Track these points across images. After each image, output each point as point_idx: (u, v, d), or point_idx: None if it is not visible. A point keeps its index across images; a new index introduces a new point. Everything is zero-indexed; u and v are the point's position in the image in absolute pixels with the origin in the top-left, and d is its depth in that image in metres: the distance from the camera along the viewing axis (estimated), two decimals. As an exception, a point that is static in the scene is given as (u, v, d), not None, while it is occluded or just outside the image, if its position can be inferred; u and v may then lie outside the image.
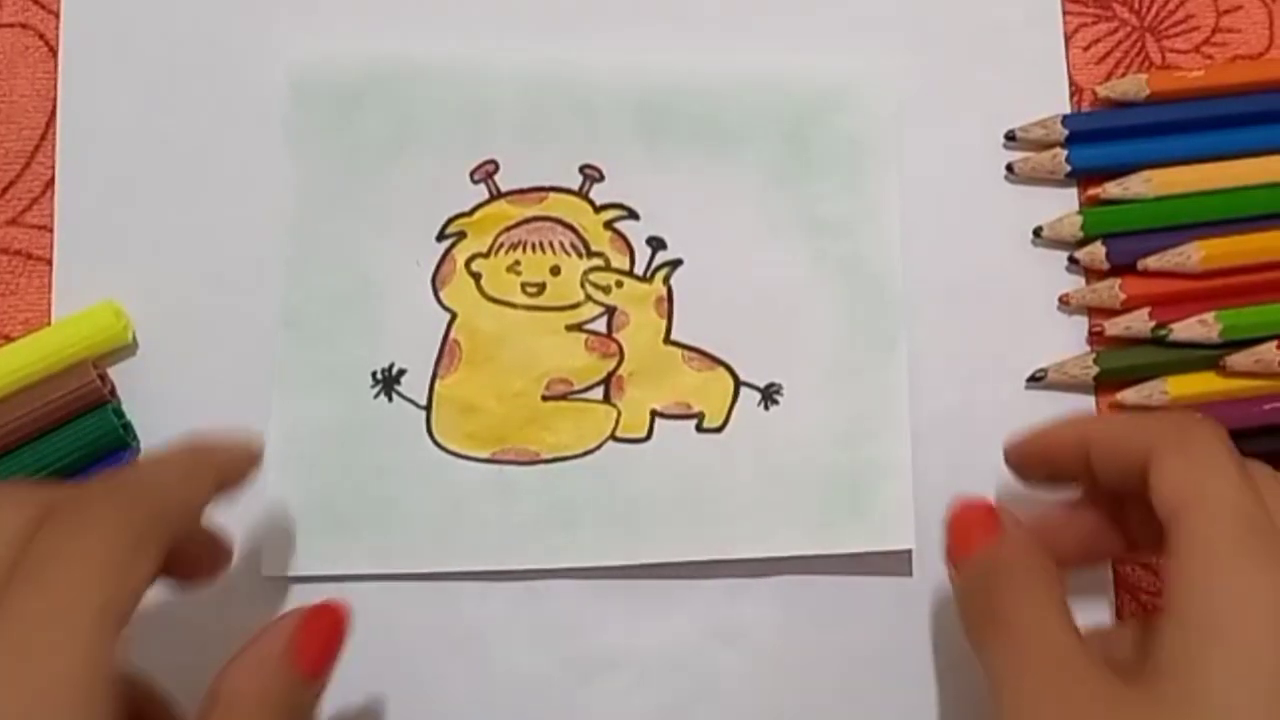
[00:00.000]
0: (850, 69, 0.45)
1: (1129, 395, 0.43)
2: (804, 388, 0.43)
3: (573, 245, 0.44)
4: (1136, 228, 0.43)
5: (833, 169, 0.44)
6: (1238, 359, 0.42)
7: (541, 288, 0.44)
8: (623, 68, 0.45)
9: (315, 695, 0.34)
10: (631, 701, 0.41)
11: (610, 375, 0.43)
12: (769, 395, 0.43)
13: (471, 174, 0.44)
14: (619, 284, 0.44)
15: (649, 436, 0.43)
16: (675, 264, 0.44)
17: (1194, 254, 0.42)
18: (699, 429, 0.43)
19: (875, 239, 0.44)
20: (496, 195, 0.44)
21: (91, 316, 0.42)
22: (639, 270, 0.44)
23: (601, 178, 0.44)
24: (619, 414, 0.43)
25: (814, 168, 0.44)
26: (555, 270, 0.44)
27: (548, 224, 0.44)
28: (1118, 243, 0.43)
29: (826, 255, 0.44)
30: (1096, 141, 0.44)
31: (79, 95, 0.44)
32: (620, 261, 0.44)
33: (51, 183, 0.43)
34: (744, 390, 0.43)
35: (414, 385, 0.43)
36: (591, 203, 0.44)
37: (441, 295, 0.44)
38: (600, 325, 0.44)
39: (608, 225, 0.44)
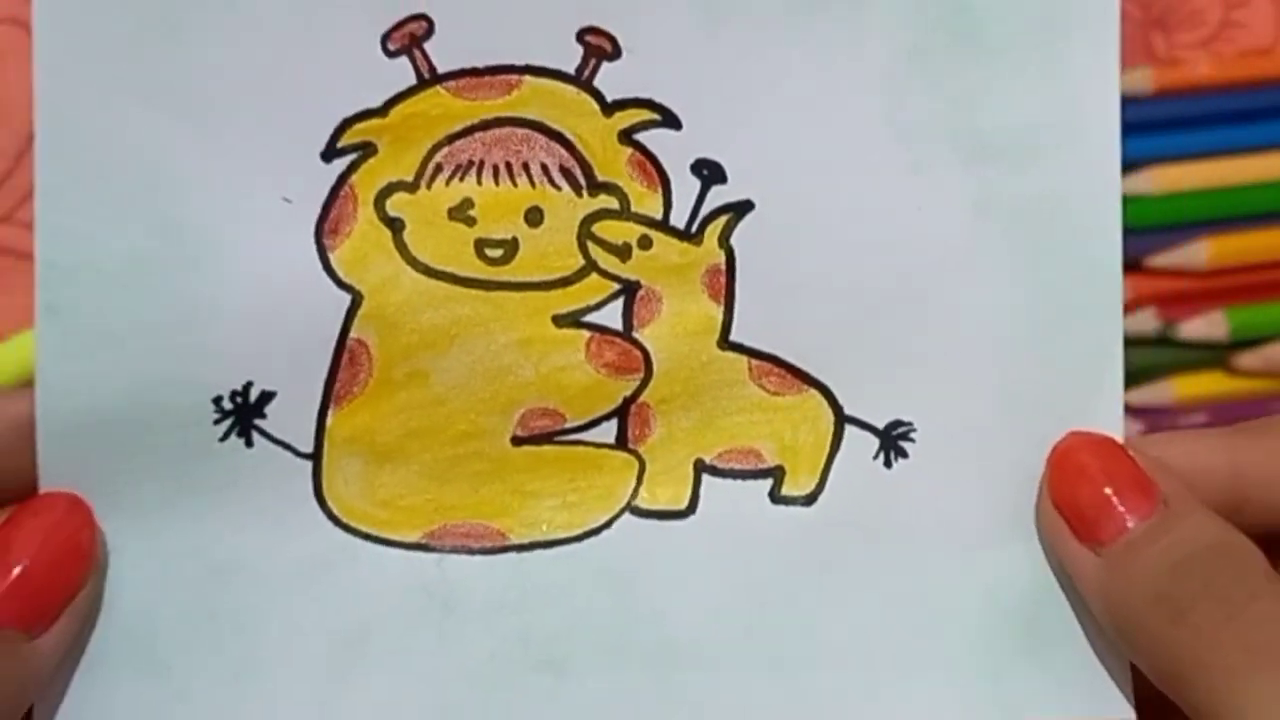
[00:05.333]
0: None
1: (1135, 396, 0.42)
2: (952, 432, 0.26)
3: (564, 171, 0.26)
4: (1143, 225, 0.42)
5: (1008, 45, 0.26)
6: (1246, 358, 0.42)
7: (511, 247, 0.26)
8: None
9: (32, 658, 0.24)
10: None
11: (629, 402, 0.26)
12: (893, 442, 0.26)
13: (385, 39, 0.25)
14: (645, 242, 0.26)
15: (692, 508, 0.26)
16: (740, 210, 0.26)
17: (1201, 252, 0.42)
18: (776, 497, 0.26)
19: (1080, 174, 0.26)
20: (430, 78, 0.25)
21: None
22: (679, 219, 0.26)
23: (616, 52, 0.25)
24: (642, 467, 0.26)
25: (978, 41, 0.26)
26: (534, 216, 0.26)
27: (520, 132, 0.26)
28: (1124, 240, 0.40)
29: (997, 198, 0.26)
30: (1100, 137, 0.43)
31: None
32: (648, 203, 0.26)
33: (43, 179, 0.41)
34: (851, 431, 0.26)
35: (290, 418, 0.26)
36: (599, 96, 0.26)
37: (334, 260, 0.25)
38: (612, 315, 0.26)
39: (627, 137, 0.26)
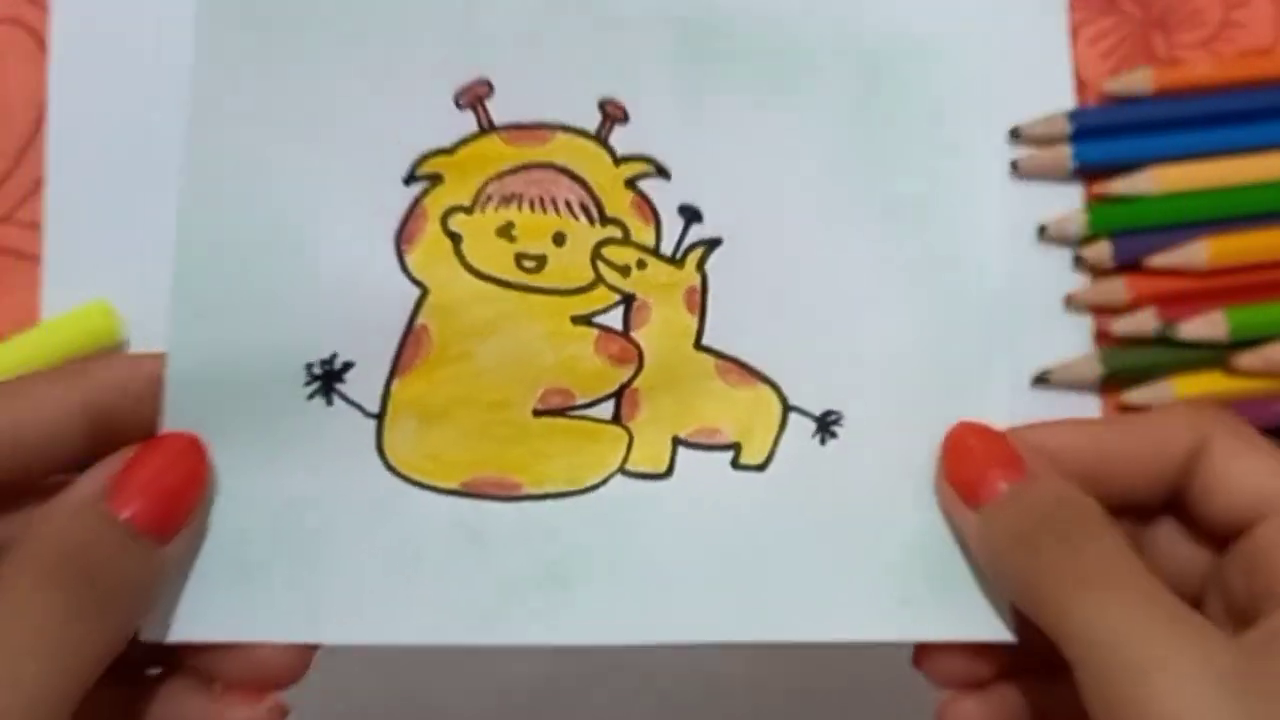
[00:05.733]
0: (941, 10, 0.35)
1: (1135, 396, 0.41)
2: (871, 419, 0.33)
3: (583, 206, 0.33)
4: (1143, 225, 0.42)
5: (913, 129, 0.34)
6: (1247, 358, 0.41)
7: (541, 261, 0.33)
8: (664, -30, 0.34)
9: (159, 562, 0.29)
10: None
11: (624, 388, 0.33)
12: (826, 426, 0.33)
13: (457, 95, 0.33)
14: (641, 264, 0.33)
15: (669, 472, 0.33)
16: (713, 244, 0.33)
17: (1202, 252, 0.42)
18: (735, 465, 0.33)
19: (970, 231, 0.34)
20: (488, 128, 0.33)
21: (82, 316, 0.41)
22: (667, 248, 0.33)
23: (626, 118, 0.33)
24: (630, 440, 0.33)
25: (897, 124, 0.34)
26: (559, 239, 0.33)
27: (551, 174, 0.33)
28: (1124, 240, 0.42)
29: (904, 246, 0.34)
30: (1102, 137, 0.43)
31: (69, 91, 0.42)
32: (644, 234, 0.33)
33: (42, 180, 0.43)
34: (794, 417, 0.33)
35: (363, 384, 0.32)
36: (611, 151, 0.33)
37: (408, 261, 0.32)
38: (615, 318, 0.33)
39: (630, 184, 0.33)
